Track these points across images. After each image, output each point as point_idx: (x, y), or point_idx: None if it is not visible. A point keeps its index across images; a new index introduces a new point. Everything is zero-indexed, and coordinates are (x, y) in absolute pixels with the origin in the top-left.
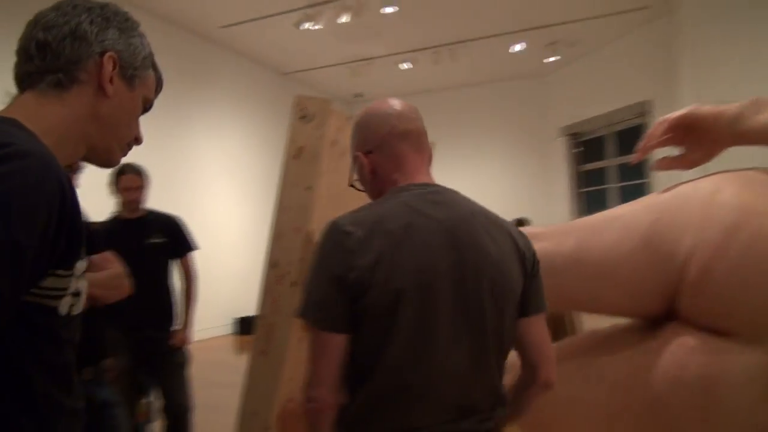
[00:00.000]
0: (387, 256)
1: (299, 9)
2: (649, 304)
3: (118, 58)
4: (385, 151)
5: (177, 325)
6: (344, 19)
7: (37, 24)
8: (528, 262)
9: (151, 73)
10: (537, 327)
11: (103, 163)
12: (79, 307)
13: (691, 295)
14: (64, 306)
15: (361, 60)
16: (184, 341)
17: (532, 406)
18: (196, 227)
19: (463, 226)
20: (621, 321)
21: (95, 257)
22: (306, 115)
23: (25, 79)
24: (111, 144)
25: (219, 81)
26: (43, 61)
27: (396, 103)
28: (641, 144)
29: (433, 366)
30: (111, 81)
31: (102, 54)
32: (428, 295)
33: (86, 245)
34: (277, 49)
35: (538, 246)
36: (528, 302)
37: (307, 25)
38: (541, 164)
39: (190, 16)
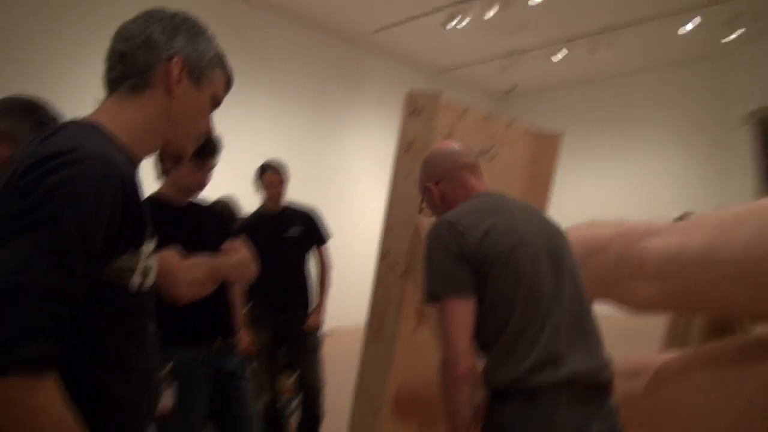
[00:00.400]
0: (491, 232)
1: (446, 7)
2: None
3: (185, 61)
4: (452, 179)
5: (311, 310)
6: (492, 13)
7: (118, 36)
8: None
9: (219, 72)
10: None
11: (176, 154)
12: (149, 283)
13: None
14: (134, 283)
15: (511, 54)
16: (317, 324)
17: None
18: (345, 223)
19: (529, 209)
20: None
21: (226, 244)
22: (416, 109)
23: (109, 85)
24: (182, 139)
25: (370, 84)
26: (122, 69)
27: (454, 144)
28: None
29: (548, 304)
30: (179, 83)
31: (170, 59)
32: (528, 244)
33: (193, 231)
34: (426, 48)
35: (659, 241)
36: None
37: (454, 23)
38: (718, 156)
39: (341, 23)
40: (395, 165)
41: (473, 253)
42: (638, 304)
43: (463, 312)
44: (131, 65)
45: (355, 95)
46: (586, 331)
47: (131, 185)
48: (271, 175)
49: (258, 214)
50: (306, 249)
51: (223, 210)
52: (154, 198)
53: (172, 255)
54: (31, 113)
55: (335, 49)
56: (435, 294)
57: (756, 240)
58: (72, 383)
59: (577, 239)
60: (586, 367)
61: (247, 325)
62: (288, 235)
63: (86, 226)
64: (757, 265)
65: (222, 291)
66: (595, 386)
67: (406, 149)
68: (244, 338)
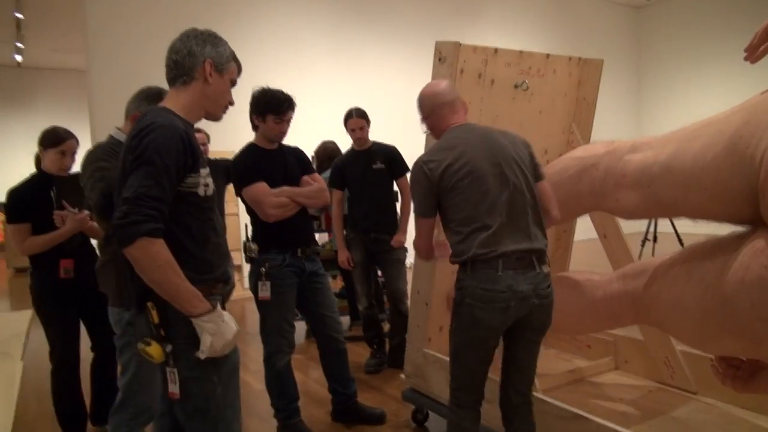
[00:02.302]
0: (448, 167)
1: None
2: (737, 209)
3: (213, 61)
4: (434, 116)
5: (397, 230)
6: None
7: (170, 50)
8: (526, 149)
9: (233, 64)
10: (542, 187)
11: (214, 119)
12: (210, 191)
13: (763, 196)
14: (201, 190)
15: None
16: (401, 242)
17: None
18: None
19: (486, 136)
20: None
21: (305, 177)
22: (441, 57)
23: (170, 82)
24: (215, 108)
25: (489, 12)
26: (176, 71)
27: (437, 85)
28: (752, 42)
29: (489, 205)
30: (210, 75)
31: (204, 61)
32: (476, 171)
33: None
34: None
35: (641, 156)
36: (535, 173)
37: None
38: None
39: None
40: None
41: (436, 183)
42: (623, 213)
43: (425, 226)
44: (181, 68)
45: (472, 27)
46: (520, 222)
47: (187, 137)
48: (354, 121)
49: (350, 151)
50: (390, 180)
51: (327, 150)
52: (252, 145)
53: (261, 186)
54: (158, 98)
55: None
56: (414, 211)
57: (706, 149)
58: (174, 250)
59: (573, 159)
60: (515, 246)
61: (343, 246)
62: (374, 168)
63: (165, 161)
64: (704, 170)
65: (303, 212)
66: (522, 257)
67: None
68: (342, 255)
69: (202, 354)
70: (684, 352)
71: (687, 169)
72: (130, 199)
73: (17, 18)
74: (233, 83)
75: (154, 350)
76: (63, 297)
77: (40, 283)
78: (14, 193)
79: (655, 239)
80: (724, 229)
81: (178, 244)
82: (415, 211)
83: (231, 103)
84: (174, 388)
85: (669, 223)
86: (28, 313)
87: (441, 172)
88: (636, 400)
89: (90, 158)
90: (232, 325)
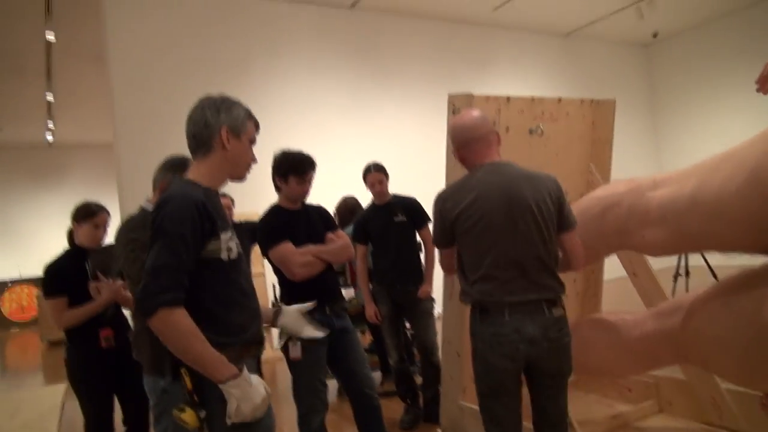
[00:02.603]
0: (464, 210)
1: None
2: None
3: (229, 128)
4: (465, 149)
5: (422, 281)
6: None
7: (188, 122)
8: (554, 197)
9: (249, 124)
10: (568, 240)
11: (238, 180)
12: (233, 255)
13: None
14: (224, 255)
15: None
16: (427, 293)
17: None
18: None
19: (508, 183)
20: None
21: (329, 234)
22: (455, 109)
23: (191, 152)
24: (238, 170)
25: (498, 62)
26: (195, 143)
27: (470, 118)
28: (763, 73)
29: (496, 257)
30: (228, 141)
31: (220, 129)
32: (487, 220)
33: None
34: (551, 12)
35: (663, 192)
36: (561, 223)
37: None
38: None
39: (459, 8)
40: (447, 155)
41: (452, 223)
42: (650, 250)
43: (446, 255)
44: (200, 140)
45: (485, 76)
46: (530, 274)
47: (202, 205)
48: (373, 176)
49: (371, 206)
50: (412, 231)
51: (348, 205)
52: (276, 206)
53: (287, 246)
54: (183, 167)
55: (458, 35)
56: (435, 243)
57: (729, 180)
58: (199, 314)
59: (595, 199)
60: (521, 297)
61: (370, 300)
62: (396, 221)
63: (179, 230)
64: (730, 202)
65: (329, 269)
66: (529, 303)
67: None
68: (369, 310)
69: (230, 420)
70: (730, 391)
71: (712, 201)
72: (148, 272)
73: (48, 101)
74: (252, 142)
75: (188, 416)
76: (100, 368)
77: (77, 356)
78: (51, 268)
79: (687, 273)
80: (757, 260)
81: (205, 309)
82: (433, 241)
83: (254, 160)
84: None
85: (700, 256)
86: (61, 387)
87: (456, 214)
88: None
89: (123, 230)
90: (260, 389)
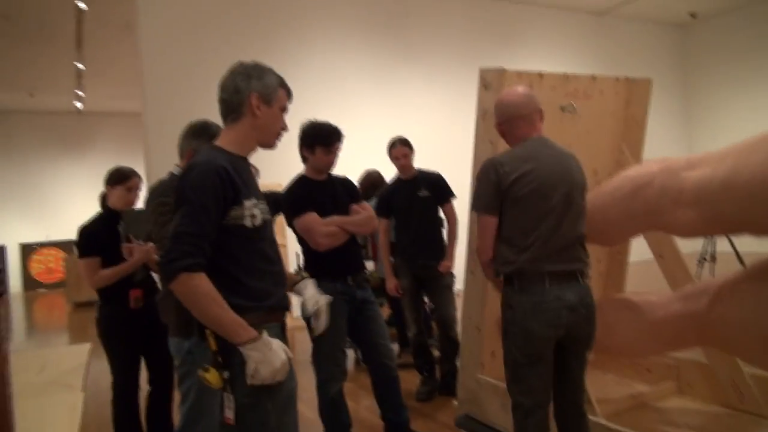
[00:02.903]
0: (521, 177)
1: None
2: None
3: (259, 94)
4: (509, 125)
5: (444, 257)
6: None
7: (220, 87)
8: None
9: (281, 91)
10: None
11: (267, 148)
12: (258, 222)
13: None
14: (247, 221)
15: None
16: (448, 268)
17: None
18: None
19: (561, 158)
20: None
21: (354, 205)
22: (486, 84)
23: (222, 118)
24: (268, 138)
25: (528, 39)
26: (225, 109)
27: (517, 95)
28: None
29: (549, 226)
30: (258, 108)
31: (250, 96)
32: (544, 191)
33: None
34: None
35: (697, 173)
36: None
37: None
38: None
39: None
40: (476, 131)
41: (506, 188)
42: (681, 231)
43: (489, 224)
44: (230, 106)
45: (514, 53)
46: (570, 244)
47: (225, 172)
48: (399, 149)
49: (396, 180)
50: (435, 206)
51: (371, 178)
52: (302, 176)
53: (312, 216)
54: (204, 131)
55: (487, 10)
56: (477, 208)
57: (766, 162)
58: (223, 279)
59: (627, 178)
60: (561, 267)
61: (391, 273)
62: (419, 195)
63: (201, 199)
64: (766, 186)
65: (352, 240)
66: (565, 273)
67: (482, 117)
68: (390, 283)
69: (249, 380)
70: (753, 375)
71: (748, 184)
72: (170, 238)
73: (78, 68)
74: (284, 110)
75: (212, 376)
76: (130, 328)
77: (108, 315)
78: (85, 230)
79: (713, 259)
80: None
81: (228, 274)
82: (477, 209)
83: (285, 129)
84: (229, 414)
85: (727, 242)
86: (87, 346)
87: (514, 179)
88: (704, 426)
89: (153, 194)
90: (281, 353)
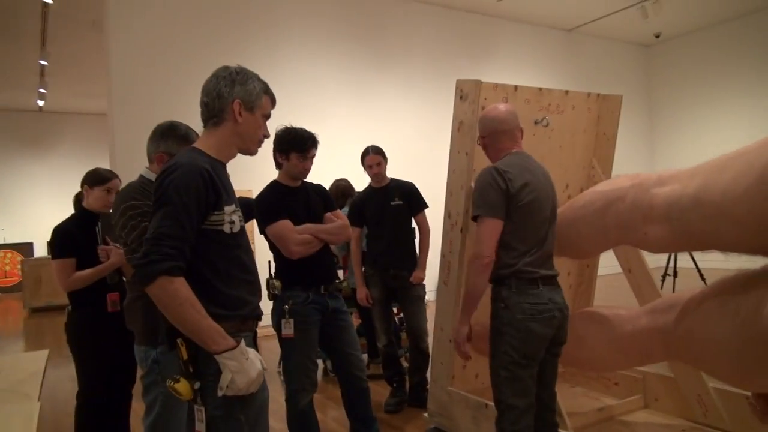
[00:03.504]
0: (526, 185)
1: None
2: None
3: (242, 101)
4: (491, 138)
5: (416, 267)
6: None
7: (203, 92)
8: None
9: (265, 98)
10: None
11: (248, 154)
12: (236, 228)
13: None
14: (226, 227)
15: None
16: (420, 279)
17: None
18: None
19: (544, 173)
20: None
21: (328, 214)
22: (462, 95)
23: (203, 122)
24: (248, 145)
25: (499, 52)
26: (207, 113)
27: (500, 111)
28: None
29: (542, 233)
30: (240, 114)
31: (232, 102)
32: (539, 201)
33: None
34: (558, 6)
35: (667, 189)
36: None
37: None
38: None
39: None
40: (451, 142)
41: (514, 194)
42: (652, 246)
43: (495, 227)
44: (212, 110)
45: (486, 66)
46: (551, 252)
47: (208, 175)
48: (371, 157)
49: (368, 189)
50: (408, 216)
51: (340, 187)
52: (275, 183)
53: (285, 224)
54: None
55: (461, 23)
56: (483, 212)
57: (736, 180)
58: (198, 285)
59: (598, 192)
60: (546, 272)
61: (362, 283)
62: (392, 204)
63: (184, 200)
64: (736, 204)
65: (326, 249)
66: (552, 278)
67: (458, 128)
68: (361, 293)
69: (221, 391)
70: (717, 389)
71: (717, 201)
72: (150, 240)
73: (41, 65)
74: (267, 117)
75: (182, 387)
76: (103, 333)
77: (81, 319)
78: (60, 230)
79: (675, 274)
80: (756, 262)
81: (204, 281)
82: (482, 213)
83: (266, 136)
84: (200, 427)
85: (689, 258)
86: (44, 353)
87: (520, 186)
88: None
89: (122, 197)
90: (257, 363)
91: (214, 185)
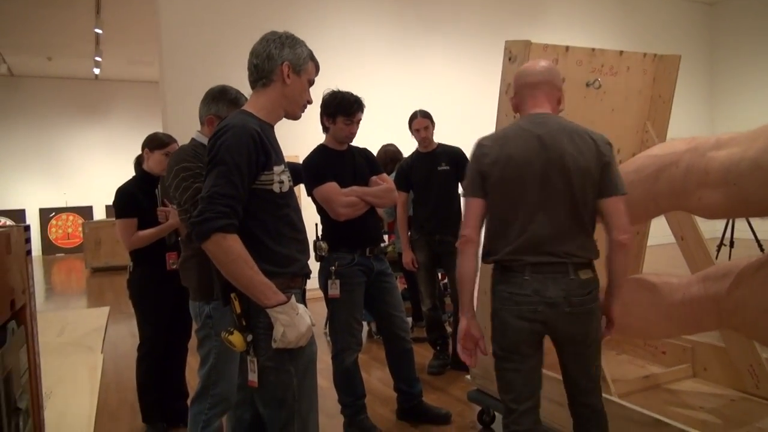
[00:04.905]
0: (498, 161)
1: None
2: None
3: (290, 64)
4: (519, 95)
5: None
6: None
7: (252, 54)
8: (599, 158)
9: (311, 64)
10: (610, 204)
11: (293, 118)
12: (285, 188)
13: None
14: (276, 187)
15: None
16: None
17: (617, 264)
18: None
19: (550, 135)
20: None
21: (374, 177)
22: (511, 56)
23: (252, 84)
24: (294, 108)
25: (551, 13)
26: (256, 74)
27: (532, 65)
28: None
29: (524, 213)
30: (288, 76)
31: (282, 64)
32: (519, 173)
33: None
34: None
35: (726, 153)
36: (604, 188)
37: None
38: None
39: None
40: (499, 105)
41: (486, 171)
42: (706, 212)
43: (473, 206)
44: (261, 72)
45: (537, 27)
46: (559, 232)
47: (259, 136)
48: (419, 121)
49: (415, 154)
50: (455, 181)
51: (388, 153)
52: (323, 146)
53: (332, 186)
54: (222, 96)
55: None
56: (463, 192)
57: None
58: (249, 242)
59: (652, 156)
60: (544, 256)
61: (408, 248)
62: (439, 170)
63: (236, 160)
64: None
65: (371, 212)
66: (552, 265)
67: (506, 91)
68: (406, 257)
69: (275, 343)
70: None
71: None
72: (205, 198)
73: (96, 34)
74: (311, 83)
75: (236, 339)
76: (163, 289)
77: (143, 276)
78: (123, 191)
79: (732, 244)
80: None
81: (254, 238)
82: (463, 190)
83: (309, 101)
84: (253, 377)
85: (747, 228)
86: (105, 310)
87: (489, 163)
88: (718, 409)
89: (175, 159)
90: (306, 318)
91: (264, 146)
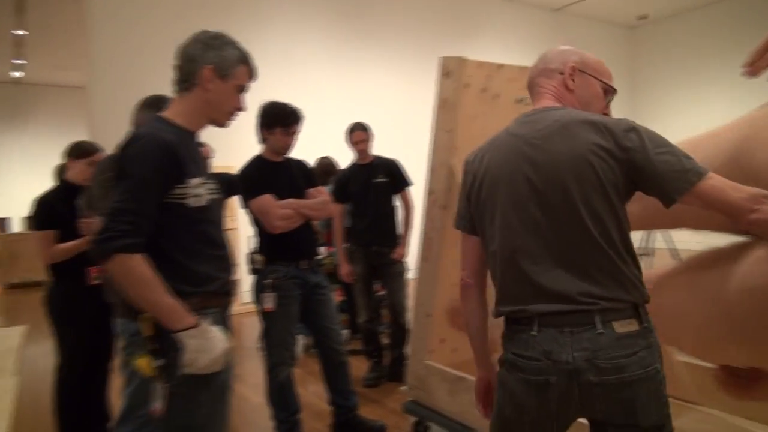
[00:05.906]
0: (480, 171)
1: None
2: None
3: (214, 67)
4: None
5: (398, 243)
6: None
7: (177, 53)
8: (612, 148)
9: (241, 69)
10: (701, 195)
11: (218, 126)
12: (203, 201)
13: None
14: (191, 201)
15: None
16: (402, 255)
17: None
18: None
19: (539, 136)
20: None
21: (311, 189)
22: (447, 72)
23: (174, 87)
24: (218, 115)
25: (488, 30)
26: (177, 77)
27: (542, 55)
28: (750, 58)
29: (515, 245)
30: (210, 82)
31: (203, 67)
32: (493, 195)
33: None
34: None
35: None
36: (666, 186)
37: None
38: None
39: None
40: (434, 119)
41: (468, 194)
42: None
43: (464, 244)
44: (181, 74)
45: (472, 45)
46: (574, 267)
47: (171, 147)
48: (357, 134)
49: (353, 165)
50: (391, 193)
51: (323, 165)
52: (259, 157)
53: (268, 198)
54: (159, 105)
55: (446, 0)
56: (454, 223)
57: (707, 162)
58: (161, 260)
59: None
60: (545, 305)
61: (345, 260)
62: (376, 182)
63: (143, 173)
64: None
65: (307, 224)
66: (569, 313)
67: (441, 106)
68: (343, 269)
69: (182, 369)
70: (683, 362)
71: None
72: (107, 215)
73: (17, 35)
74: (241, 88)
75: (143, 363)
76: (84, 306)
77: (62, 292)
78: (43, 201)
79: (650, 254)
80: (722, 241)
81: (166, 256)
82: (455, 224)
83: (239, 109)
84: (158, 404)
85: (663, 238)
86: (21, 329)
87: (471, 179)
88: None
89: (102, 169)
90: (221, 341)
91: (176, 158)
